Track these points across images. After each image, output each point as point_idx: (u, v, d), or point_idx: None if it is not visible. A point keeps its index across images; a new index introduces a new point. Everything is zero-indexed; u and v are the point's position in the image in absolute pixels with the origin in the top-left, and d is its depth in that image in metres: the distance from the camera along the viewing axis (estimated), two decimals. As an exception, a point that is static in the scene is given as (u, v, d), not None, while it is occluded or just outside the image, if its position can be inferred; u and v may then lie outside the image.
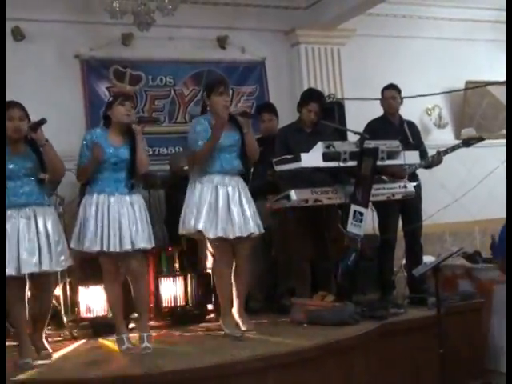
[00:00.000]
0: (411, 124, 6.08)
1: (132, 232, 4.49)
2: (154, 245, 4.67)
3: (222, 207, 4.71)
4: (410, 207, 5.79)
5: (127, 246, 4.47)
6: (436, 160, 5.92)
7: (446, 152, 5.95)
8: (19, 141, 4.32)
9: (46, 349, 4.47)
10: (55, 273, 4.60)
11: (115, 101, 4.62)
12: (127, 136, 4.59)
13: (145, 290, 4.75)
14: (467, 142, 6.10)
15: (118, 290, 4.63)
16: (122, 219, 4.48)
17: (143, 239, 4.53)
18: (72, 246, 4.55)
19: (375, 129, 5.65)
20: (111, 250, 4.45)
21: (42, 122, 4.27)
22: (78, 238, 4.52)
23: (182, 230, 4.84)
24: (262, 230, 4.92)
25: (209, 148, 4.71)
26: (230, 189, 4.77)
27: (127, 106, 4.59)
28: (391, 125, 5.93)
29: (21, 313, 4.32)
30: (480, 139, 6.19)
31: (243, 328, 4.85)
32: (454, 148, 6.00)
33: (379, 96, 6.02)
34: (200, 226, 4.67)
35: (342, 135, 5.90)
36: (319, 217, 5.40)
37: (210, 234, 4.70)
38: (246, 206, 4.80)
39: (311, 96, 5.66)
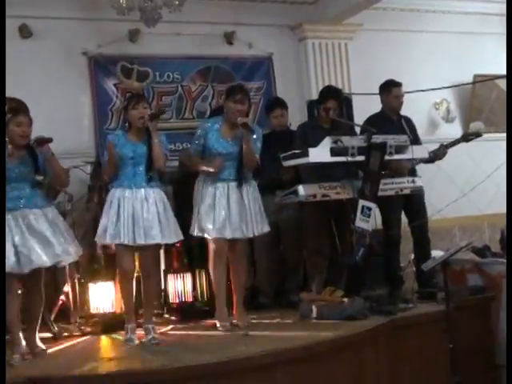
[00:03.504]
0: (408, 120, 6.09)
1: (147, 225, 4.56)
2: (181, 237, 4.79)
3: (220, 207, 4.83)
4: (414, 202, 5.78)
5: (149, 240, 4.55)
6: (439, 153, 5.99)
7: (446, 146, 6.05)
8: (21, 146, 4.32)
9: (39, 347, 4.44)
10: (62, 269, 4.63)
11: (128, 105, 4.75)
12: (146, 133, 4.70)
13: (155, 285, 4.91)
14: (466, 138, 6.25)
15: (131, 286, 4.71)
16: (135, 213, 4.56)
17: (165, 233, 4.62)
18: (96, 239, 4.71)
19: (374, 125, 5.61)
20: (129, 242, 4.51)
21: (50, 140, 4.30)
22: (103, 232, 4.62)
23: (191, 233, 4.97)
24: (266, 229, 4.99)
25: (199, 169, 4.96)
26: (231, 187, 4.87)
27: (140, 108, 4.68)
28: (390, 121, 5.93)
29: (12, 306, 4.29)
30: (478, 135, 6.30)
31: (239, 323, 4.91)
32: (454, 143, 6.13)
33: (384, 91, 6.02)
34: (198, 229, 4.87)
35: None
36: (334, 212, 5.42)
37: (207, 234, 4.87)
38: (247, 206, 4.89)
39: (329, 93, 5.67)
